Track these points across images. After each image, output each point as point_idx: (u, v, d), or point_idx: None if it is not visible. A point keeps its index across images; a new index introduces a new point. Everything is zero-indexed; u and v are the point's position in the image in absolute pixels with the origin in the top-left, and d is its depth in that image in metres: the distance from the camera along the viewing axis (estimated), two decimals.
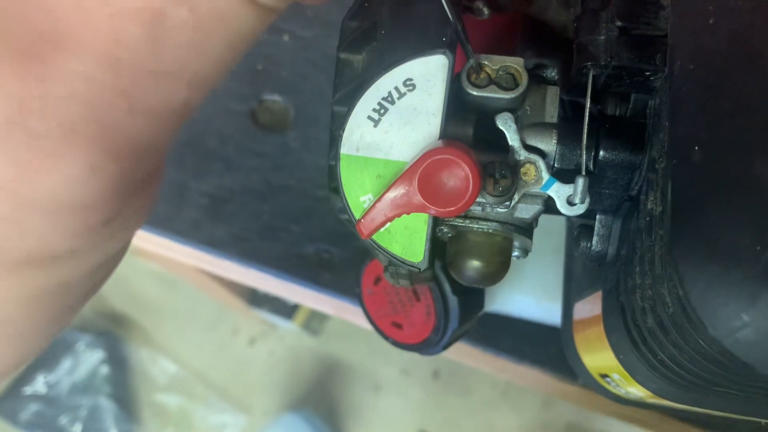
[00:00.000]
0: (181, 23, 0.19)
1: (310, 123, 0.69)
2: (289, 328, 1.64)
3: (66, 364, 1.72)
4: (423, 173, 0.27)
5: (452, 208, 0.27)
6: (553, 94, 0.34)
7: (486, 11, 0.39)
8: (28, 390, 1.68)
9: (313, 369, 1.70)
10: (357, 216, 0.31)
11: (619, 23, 0.31)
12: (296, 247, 0.65)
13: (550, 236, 0.50)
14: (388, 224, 0.30)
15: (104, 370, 1.72)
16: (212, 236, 0.66)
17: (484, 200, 0.32)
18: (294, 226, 0.65)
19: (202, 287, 1.35)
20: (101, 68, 0.18)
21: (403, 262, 0.31)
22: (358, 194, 0.31)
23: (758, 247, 0.23)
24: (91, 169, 0.19)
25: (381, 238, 0.31)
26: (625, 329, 0.34)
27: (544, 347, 0.61)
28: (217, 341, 1.76)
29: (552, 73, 0.34)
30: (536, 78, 0.34)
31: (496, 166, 0.31)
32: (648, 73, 0.31)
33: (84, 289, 0.23)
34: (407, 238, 0.31)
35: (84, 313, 1.55)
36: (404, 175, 0.27)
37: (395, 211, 0.28)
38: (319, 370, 1.70)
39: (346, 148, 0.31)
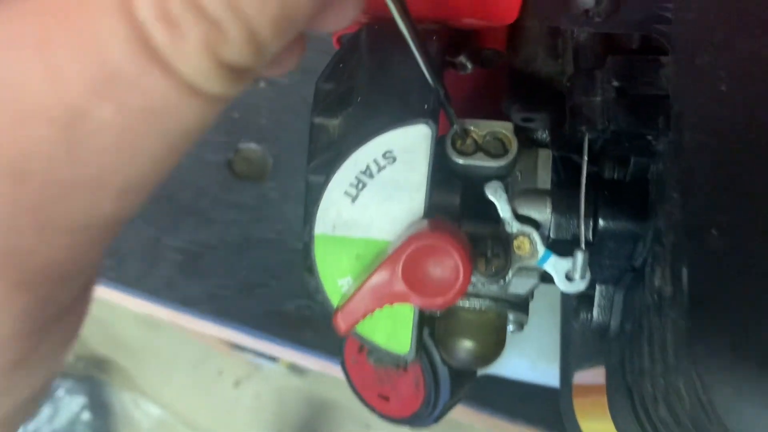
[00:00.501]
0: (105, 124, 0.15)
1: (289, 172, 0.66)
2: (274, 368, 1.60)
3: (45, 411, 1.67)
4: (407, 260, 0.24)
5: (440, 300, 0.24)
6: (545, 158, 0.31)
7: (470, 66, 0.36)
8: None
9: (300, 410, 1.66)
10: (334, 302, 0.28)
11: (616, 83, 0.28)
12: (276, 304, 0.62)
13: (545, 294, 0.47)
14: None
15: (86, 416, 1.66)
16: (187, 294, 0.63)
17: (475, 279, 0.29)
18: (273, 281, 0.62)
19: (185, 329, 1.31)
20: (4, 183, 0.15)
21: (388, 353, 0.28)
22: (336, 277, 0.28)
23: None
24: None
25: (362, 325, 0.28)
26: (633, 413, 0.31)
27: (539, 406, 0.58)
28: (201, 383, 1.71)
29: (543, 135, 0.32)
30: (526, 140, 0.32)
31: (488, 244, 0.28)
32: (650, 138, 0.28)
33: (9, 427, 0.20)
34: (392, 326, 0.28)
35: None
36: (386, 261, 0.24)
37: (376, 303, 0.25)
38: (307, 411, 1.66)
39: (321, 227, 0.28)
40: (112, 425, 1.73)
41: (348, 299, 0.25)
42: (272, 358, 1.49)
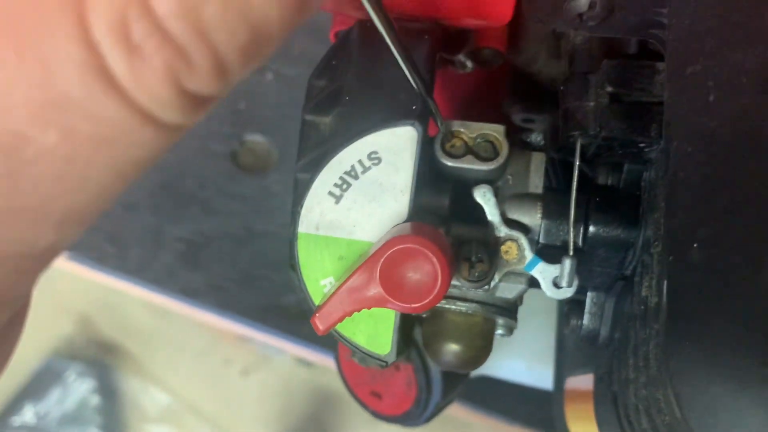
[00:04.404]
0: (48, 151, 0.14)
1: (294, 165, 0.66)
2: (282, 358, 1.60)
3: (55, 394, 1.68)
4: (386, 264, 0.24)
5: (417, 305, 0.24)
6: (538, 162, 0.31)
7: (469, 65, 0.36)
8: (17, 420, 1.64)
9: (307, 400, 1.66)
10: (316, 301, 0.28)
11: (610, 88, 0.28)
12: (276, 296, 0.62)
13: (541, 296, 0.47)
14: None
15: (94, 400, 1.68)
16: (188, 285, 0.63)
17: (459, 283, 0.29)
18: (274, 274, 0.62)
19: (194, 316, 1.31)
20: None
21: (369, 354, 0.28)
22: (318, 277, 0.28)
23: None
24: None
25: (344, 326, 0.28)
26: (618, 422, 0.31)
27: (537, 407, 0.57)
28: (209, 371, 1.71)
29: (537, 138, 0.31)
30: (519, 143, 0.31)
31: (473, 249, 0.28)
32: (642, 145, 0.28)
33: None
34: (373, 327, 0.28)
35: (74, 341, 1.51)
36: (365, 264, 0.24)
37: (354, 306, 0.24)
38: (314, 402, 1.66)
39: (304, 227, 0.27)
40: (121, 410, 1.74)
41: (326, 301, 0.25)
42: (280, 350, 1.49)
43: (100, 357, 1.76)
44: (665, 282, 0.22)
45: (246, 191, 0.64)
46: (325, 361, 0.65)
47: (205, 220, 0.64)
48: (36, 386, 1.67)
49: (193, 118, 0.16)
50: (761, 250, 0.20)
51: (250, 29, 0.15)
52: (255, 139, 0.66)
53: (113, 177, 0.16)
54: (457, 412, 0.62)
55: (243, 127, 0.66)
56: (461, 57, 0.36)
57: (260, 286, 0.62)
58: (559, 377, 0.42)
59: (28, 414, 1.66)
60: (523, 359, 0.48)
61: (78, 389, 1.72)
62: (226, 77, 0.16)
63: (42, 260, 0.17)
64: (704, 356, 0.21)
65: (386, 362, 0.28)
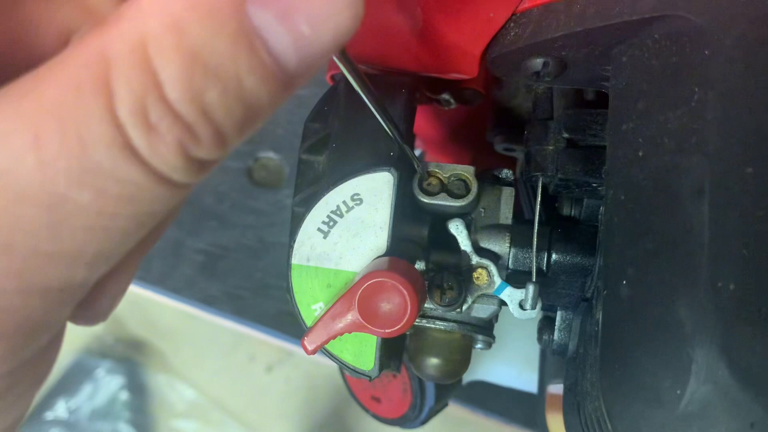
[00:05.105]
0: (83, 207, 0.18)
1: None
2: (305, 355, 1.64)
3: (86, 389, 1.74)
4: (363, 295, 0.28)
5: (390, 330, 0.28)
6: (507, 196, 0.34)
7: (453, 102, 0.39)
8: (49, 415, 1.70)
9: (329, 397, 1.70)
10: (308, 323, 0.31)
11: (566, 135, 0.31)
12: (289, 304, 0.66)
13: None
14: None
15: (123, 395, 1.73)
16: (207, 294, 0.67)
17: (433, 307, 0.32)
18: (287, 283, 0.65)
19: (213, 322, 1.36)
20: None
21: (354, 370, 0.32)
22: (310, 303, 0.31)
23: (678, 391, 0.23)
24: None
25: (332, 345, 0.32)
26: (581, 430, 0.34)
27: (533, 408, 0.61)
28: (234, 367, 1.76)
29: (507, 174, 0.35)
30: (492, 179, 0.35)
31: (444, 278, 0.32)
32: (595, 185, 0.31)
33: None
34: (358, 346, 0.31)
35: (104, 339, 1.57)
36: (345, 295, 0.28)
37: (337, 331, 0.28)
38: (336, 398, 1.70)
39: (297, 258, 0.31)
40: (149, 405, 1.79)
41: (313, 326, 0.29)
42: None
43: (128, 354, 1.82)
44: (601, 312, 0.26)
45: (260, 205, 0.68)
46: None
47: (222, 232, 0.68)
48: (68, 382, 1.73)
49: (198, 178, 0.20)
50: (672, 290, 0.23)
51: (245, 108, 0.19)
52: (268, 156, 0.70)
53: (134, 226, 0.20)
54: (456, 411, 0.66)
55: (257, 145, 0.70)
56: (445, 96, 0.39)
57: (274, 295, 0.66)
58: (542, 384, 0.45)
59: (60, 409, 1.72)
60: (514, 366, 0.52)
61: (108, 385, 1.78)
62: (225, 146, 0.20)
63: (76, 293, 0.21)
64: (628, 379, 0.24)
65: (370, 377, 0.31)
